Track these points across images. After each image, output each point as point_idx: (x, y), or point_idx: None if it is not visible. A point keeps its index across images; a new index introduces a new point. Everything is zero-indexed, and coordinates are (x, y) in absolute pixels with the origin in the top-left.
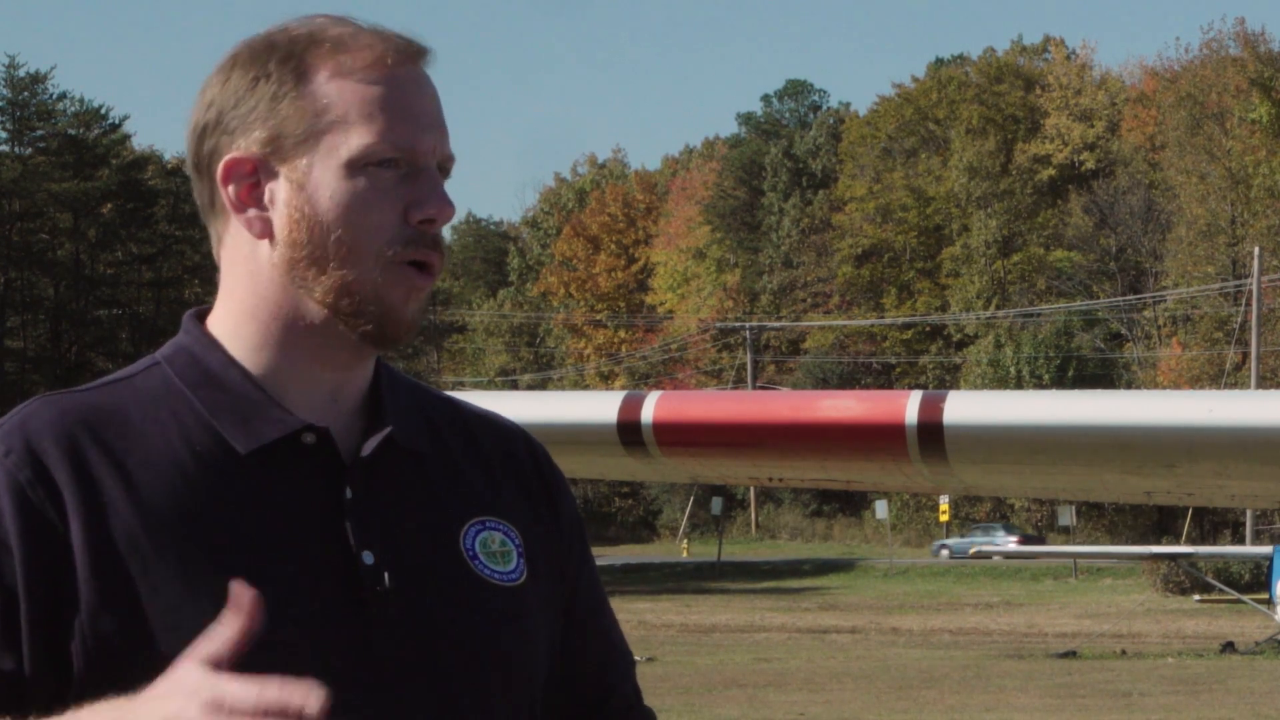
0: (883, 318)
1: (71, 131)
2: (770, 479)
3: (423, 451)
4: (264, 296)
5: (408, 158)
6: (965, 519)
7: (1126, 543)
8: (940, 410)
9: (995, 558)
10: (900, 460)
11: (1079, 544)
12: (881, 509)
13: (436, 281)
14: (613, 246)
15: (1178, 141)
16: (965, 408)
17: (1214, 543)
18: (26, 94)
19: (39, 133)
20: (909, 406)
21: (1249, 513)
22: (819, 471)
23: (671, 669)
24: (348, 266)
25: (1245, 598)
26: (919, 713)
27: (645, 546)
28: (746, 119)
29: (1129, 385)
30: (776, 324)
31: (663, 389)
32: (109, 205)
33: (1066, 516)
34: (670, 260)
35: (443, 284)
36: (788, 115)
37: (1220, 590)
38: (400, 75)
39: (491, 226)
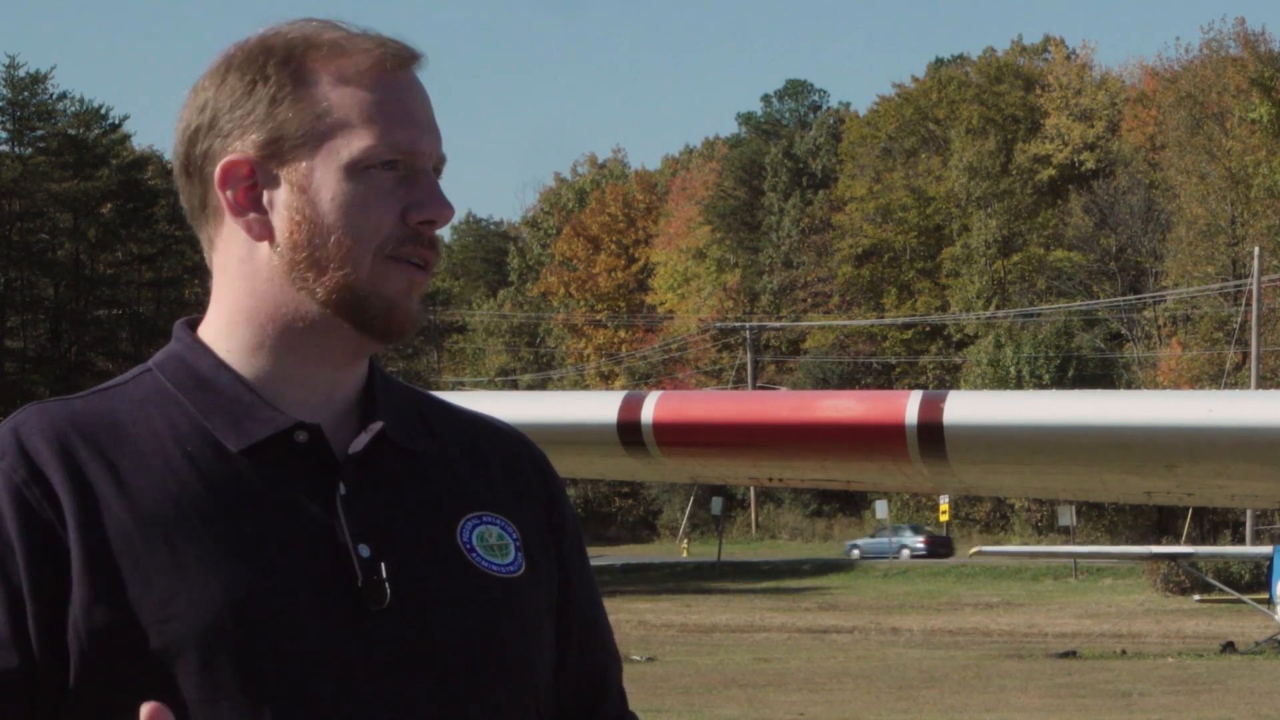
0: (883, 318)
1: (71, 131)
2: (770, 479)
3: (418, 449)
4: (262, 298)
5: (407, 160)
6: (965, 519)
7: (1126, 543)
8: (940, 410)
9: (993, 557)
10: (900, 460)
11: (1079, 544)
12: (881, 509)
13: (431, 279)
14: (613, 246)
15: (1178, 141)
16: (965, 408)
17: (1214, 543)
18: (26, 94)
19: (39, 133)
20: (909, 406)
21: (1249, 513)
22: (819, 471)
23: (671, 669)
24: (348, 266)
25: (1245, 598)
26: (919, 713)
27: (645, 546)
28: (746, 119)
29: (1129, 385)
30: (776, 324)
31: (663, 389)
32: (109, 205)
33: (1066, 516)
34: (670, 260)
35: (443, 284)
36: (788, 115)
37: (1220, 590)
38: (397, 79)
39: (491, 226)
